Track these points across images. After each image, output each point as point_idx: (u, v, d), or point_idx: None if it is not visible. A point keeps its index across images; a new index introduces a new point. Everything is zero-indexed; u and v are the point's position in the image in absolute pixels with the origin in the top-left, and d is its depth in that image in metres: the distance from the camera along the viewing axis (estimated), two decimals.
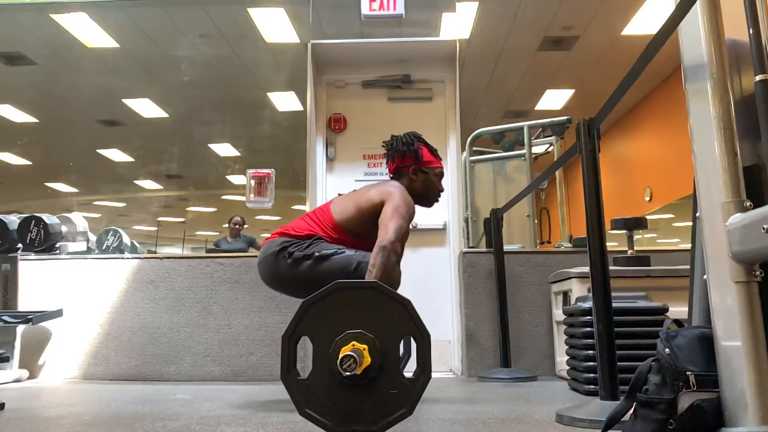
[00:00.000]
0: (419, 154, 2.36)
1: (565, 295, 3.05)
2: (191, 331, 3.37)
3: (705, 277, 1.26)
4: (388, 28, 3.91)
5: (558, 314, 3.14)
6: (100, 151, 4.18)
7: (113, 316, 3.41)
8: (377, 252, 2.02)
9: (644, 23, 3.94)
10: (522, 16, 4.01)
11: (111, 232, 3.78)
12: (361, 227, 2.22)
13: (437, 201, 2.45)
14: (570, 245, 3.66)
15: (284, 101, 4.06)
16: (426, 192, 2.38)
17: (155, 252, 3.96)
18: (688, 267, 1.44)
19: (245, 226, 3.94)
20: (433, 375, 1.41)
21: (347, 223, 2.24)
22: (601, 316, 1.84)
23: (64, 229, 3.55)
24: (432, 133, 3.15)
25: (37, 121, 4.30)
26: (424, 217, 3.80)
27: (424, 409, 2.04)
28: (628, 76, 1.75)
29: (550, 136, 3.90)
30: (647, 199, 4.70)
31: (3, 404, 2.10)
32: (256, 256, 3.43)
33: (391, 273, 2.03)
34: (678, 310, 2.24)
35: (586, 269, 1.92)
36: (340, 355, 1.29)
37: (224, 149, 4.14)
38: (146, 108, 4.16)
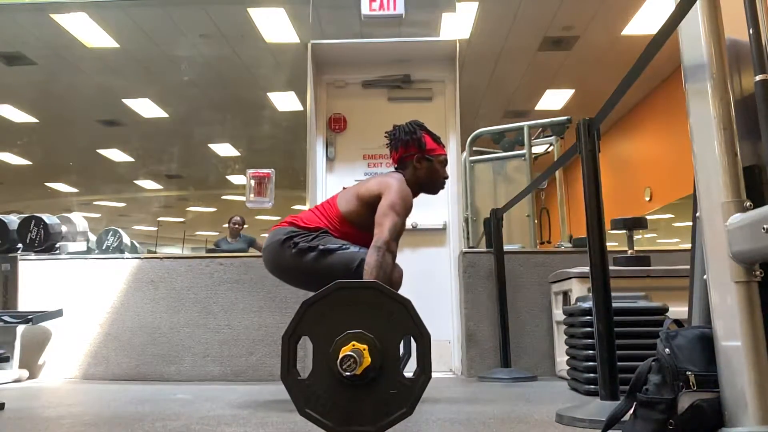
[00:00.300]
0: (422, 142, 2.36)
1: (565, 295, 3.05)
2: (191, 331, 3.37)
3: (705, 277, 1.26)
4: (388, 28, 3.91)
5: (558, 314, 3.14)
6: (100, 151, 4.18)
7: (113, 316, 3.41)
8: (372, 252, 2.03)
9: (644, 23, 3.94)
10: (522, 16, 4.01)
11: (111, 232, 3.78)
12: (364, 219, 2.22)
13: (443, 188, 2.44)
14: (570, 245, 3.66)
15: (284, 101, 4.06)
16: (431, 180, 2.38)
17: (155, 252, 3.97)
18: (688, 267, 1.44)
19: (245, 226, 3.94)
20: (433, 375, 1.40)
21: (351, 215, 2.24)
22: (601, 316, 1.84)
23: (64, 229, 3.55)
24: None
25: (37, 121, 4.30)
26: (424, 217, 3.80)
27: (424, 409, 2.04)
28: (628, 76, 1.75)
29: (550, 136, 3.90)
30: (647, 199, 4.70)
31: (3, 404, 2.10)
32: (256, 256, 3.45)
33: (389, 272, 2.03)
34: (678, 310, 2.24)
35: (586, 269, 1.92)
36: (340, 355, 1.29)
37: (224, 149, 4.14)
38: (146, 108, 4.16)
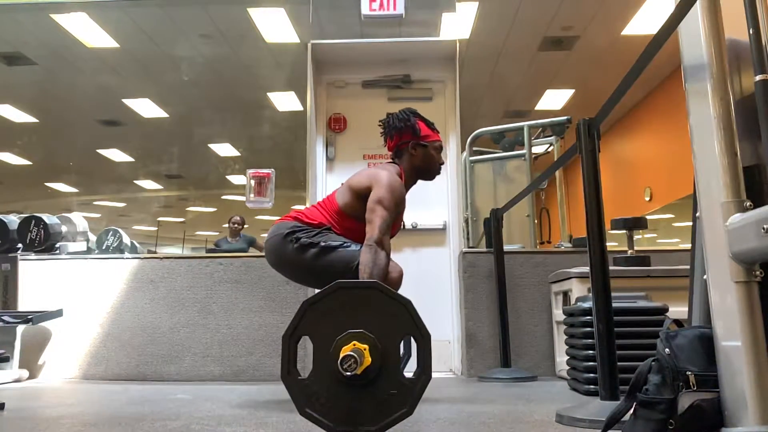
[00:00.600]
0: (416, 128, 2.36)
1: (565, 295, 3.05)
2: (191, 331, 3.37)
3: (705, 277, 1.26)
4: (388, 28, 3.91)
5: (558, 314, 3.14)
6: (100, 151, 4.18)
7: (113, 316, 3.41)
8: (365, 251, 2.03)
9: (644, 23, 3.94)
10: (522, 16, 4.01)
11: (111, 232, 3.77)
12: (359, 212, 2.21)
13: (438, 173, 2.45)
14: (570, 245, 3.66)
15: (284, 101, 4.06)
16: (427, 166, 2.39)
17: (155, 252, 3.96)
18: (688, 267, 1.44)
19: (245, 225, 3.95)
20: (433, 375, 1.41)
21: (347, 208, 2.25)
22: (601, 316, 1.84)
23: (64, 229, 3.55)
24: None
25: (37, 121, 4.30)
26: (424, 217, 3.80)
27: (424, 409, 2.04)
28: (628, 76, 1.75)
29: (550, 136, 3.90)
30: (647, 199, 4.70)
31: (3, 404, 2.10)
32: (256, 256, 3.45)
33: (384, 268, 2.03)
34: (678, 310, 2.24)
35: (586, 269, 1.92)
36: (341, 355, 1.29)
37: (224, 149, 4.14)
38: (146, 108, 4.16)
